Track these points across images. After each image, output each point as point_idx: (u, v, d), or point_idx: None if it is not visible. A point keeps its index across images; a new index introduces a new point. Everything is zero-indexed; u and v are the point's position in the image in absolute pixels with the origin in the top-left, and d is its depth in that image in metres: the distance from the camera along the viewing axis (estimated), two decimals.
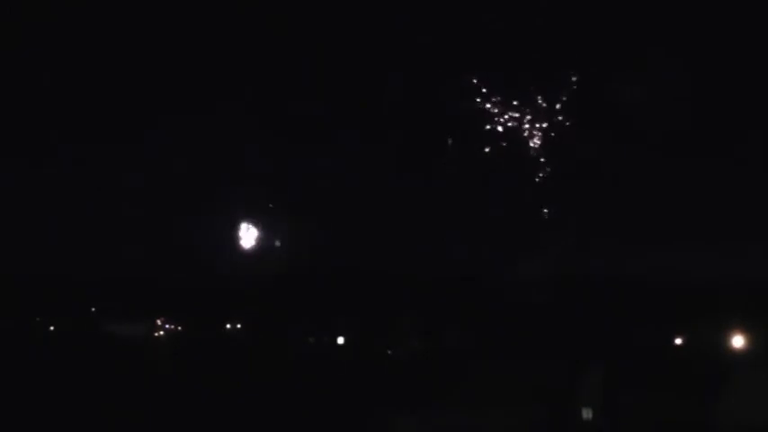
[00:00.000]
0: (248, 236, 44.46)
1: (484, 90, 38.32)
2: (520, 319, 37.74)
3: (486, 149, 39.29)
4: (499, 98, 38.47)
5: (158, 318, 45.62)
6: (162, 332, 45.55)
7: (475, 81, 38.22)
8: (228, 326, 45.30)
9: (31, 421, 32.74)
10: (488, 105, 38.08)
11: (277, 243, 43.78)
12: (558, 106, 38.21)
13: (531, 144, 39.14)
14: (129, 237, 43.07)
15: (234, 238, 44.72)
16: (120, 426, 33.10)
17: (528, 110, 38.34)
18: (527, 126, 38.16)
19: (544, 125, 38.46)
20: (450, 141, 38.65)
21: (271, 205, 43.87)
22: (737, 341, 35.59)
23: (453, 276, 40.14)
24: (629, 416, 32.38)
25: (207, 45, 40.28)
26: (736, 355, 35.25)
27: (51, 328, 45.72)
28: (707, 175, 37.74)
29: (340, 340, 41.43)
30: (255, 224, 44.63)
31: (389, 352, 39.45)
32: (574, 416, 32.96)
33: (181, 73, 40.90)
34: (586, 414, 33.03)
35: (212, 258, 44.38)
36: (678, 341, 36.93)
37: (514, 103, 38.15)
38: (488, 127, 38.31)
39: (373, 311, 40.31)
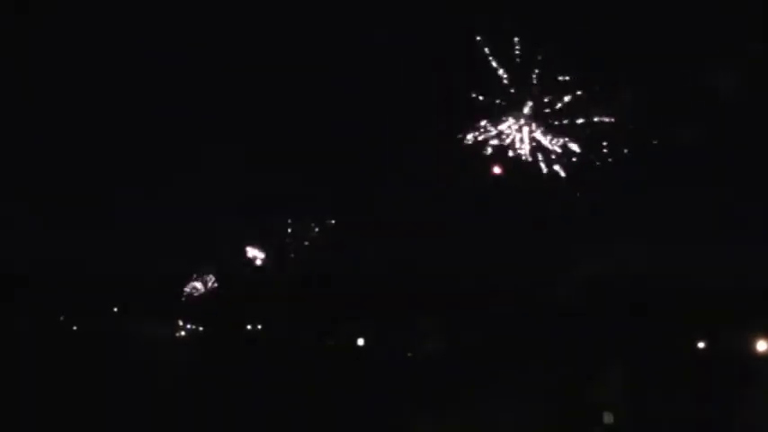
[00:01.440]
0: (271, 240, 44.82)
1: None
2: (541, 321, 37.61)
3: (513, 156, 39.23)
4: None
5: (180, 318, 46.05)
6: (183, 332, 45.94)
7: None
8: (249, 327, 45.47)
9: (54, 417, 33.00)
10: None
11: (305, 243, 44.10)
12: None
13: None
14: (153, 238, 43.64)
15: (257, 241, 45.09)
16: (141, 423, 33.24)
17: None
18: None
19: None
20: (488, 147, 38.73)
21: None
22: (761, 345, 35.21)
23: (473, 279, 40.11)
24: (650, 420, 32.04)
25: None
26: (759, 358, 34.84)
27: (75, 327, 46.25)
28: (736, 181, 37.57)
29: (360, 342, 41.46)
30: (279, 228, 45.04)
31: (409, 354, 39.43)
32: (595, 419, 32.66)
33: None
34: (608, 418, 32.70)
35: (235, 261, 44.76)
36: (701, 345, 36.62)
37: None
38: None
39: (393, 314, 40.33)
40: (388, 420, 33.35)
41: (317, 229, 43.58)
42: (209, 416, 34.23)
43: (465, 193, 39.42)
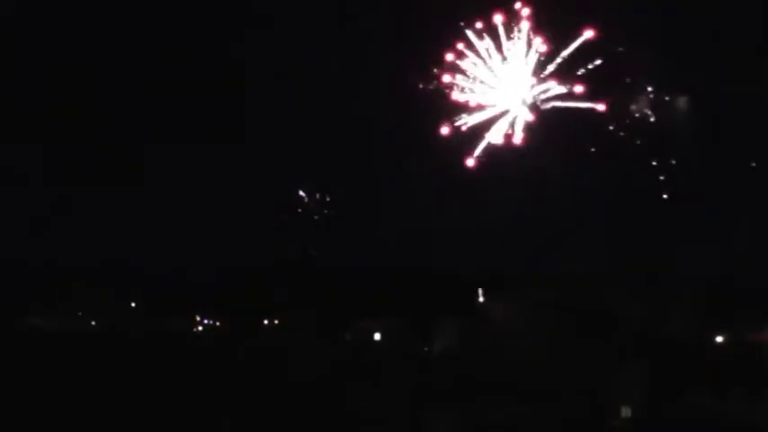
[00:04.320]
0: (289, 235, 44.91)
1: None
2: (558, 316, 37.52)
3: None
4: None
5: (197, 313, 45.97)
6: (201, 327, 45.94)
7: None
8: (266, 322, 45.62)
9: (74, 409, 33.34)
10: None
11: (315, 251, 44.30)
12: None
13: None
14: (171, 235, 43.72)
15: (273, 237, 45.17)
16: (157, 418, 33.51)
17: None
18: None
19: None
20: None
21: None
22: None
23: (489, 276, 40.10)
24: (668, 413, 31.96)
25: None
26: None
27: (93, 323, 46.51)
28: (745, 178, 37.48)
29: (377, 336, 41.44)
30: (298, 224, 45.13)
31: (426, 349, 39.38)
32: (613, 413, 32.63)
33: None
34: (625, 412, 32.68)
35: (252, 257, 44.81)
36: (719, 339, 36.38)
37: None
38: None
39: (411, 309, 40.31)
40: (405, 415, 33.46)
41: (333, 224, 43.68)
42: (226, 410, 34.46)
43: (483, 190, 39.43)
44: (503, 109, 38.37)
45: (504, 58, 37.83)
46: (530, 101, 37.77)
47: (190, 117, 41.73)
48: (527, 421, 31.99)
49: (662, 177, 38.19)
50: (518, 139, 38.02)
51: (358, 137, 40.66)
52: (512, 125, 38.06)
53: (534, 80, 37.71)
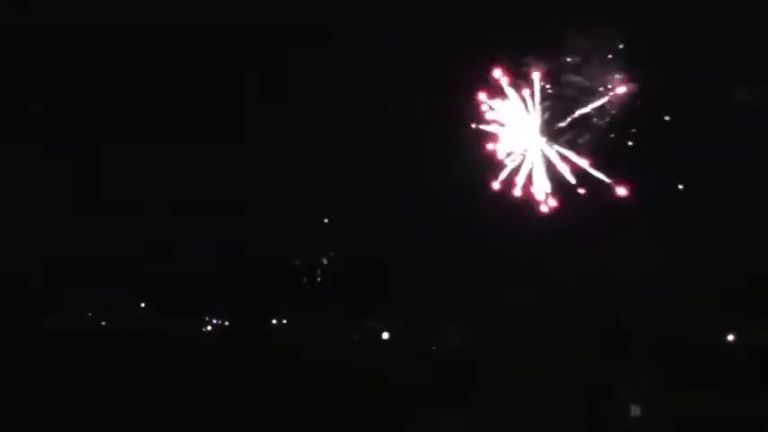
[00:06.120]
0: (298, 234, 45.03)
1: None
2: (569, 316, 37.38)
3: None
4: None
5: (206, 313, 46.17)
6: (209, 327, 46.08)
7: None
8: (274, 321, 45.75)
9: (83, 407, 33.54)
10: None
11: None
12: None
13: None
14: (180, 237, 43.93)
15: (281, 235, 45.30)
16: (172, 414, 33.62)
17: None
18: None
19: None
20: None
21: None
22: None
23: (498, 275, 40.00)
24: (678, 412, 31.74)
25: None
26: None
27: (103, 323, 46.77)
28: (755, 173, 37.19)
29: (385, 335, 41.47)
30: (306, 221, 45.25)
31: (433, 348, 39.36)
32: (623, 411, 32.44)
33: None
34: (635, 411, 32.48)
35: (260, 257, 44.98)
36: (730, 338, 36.09)
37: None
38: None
39: (418, 308, 40.29)
40: (414, 413, 33.39)
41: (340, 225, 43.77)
42: (233, 410, 34.51)
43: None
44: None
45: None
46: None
47: (193, 120, 41.96)
48: (535, 421, 31.83)
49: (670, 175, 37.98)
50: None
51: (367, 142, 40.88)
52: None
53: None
